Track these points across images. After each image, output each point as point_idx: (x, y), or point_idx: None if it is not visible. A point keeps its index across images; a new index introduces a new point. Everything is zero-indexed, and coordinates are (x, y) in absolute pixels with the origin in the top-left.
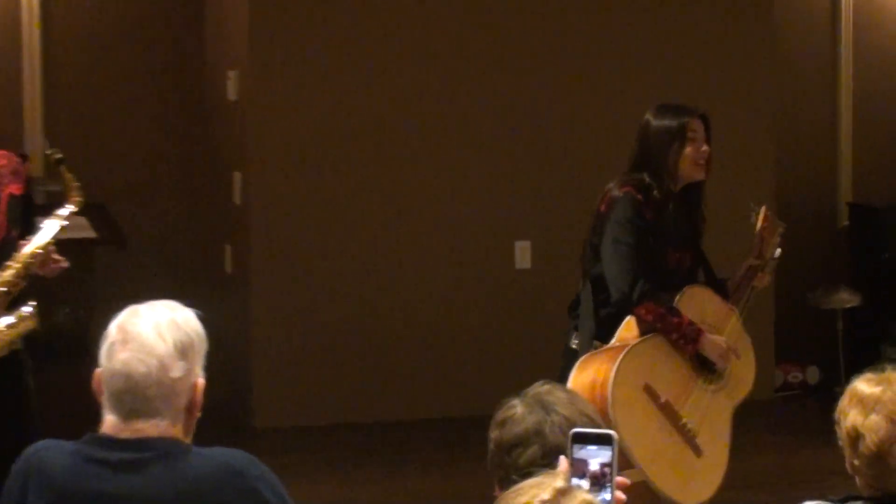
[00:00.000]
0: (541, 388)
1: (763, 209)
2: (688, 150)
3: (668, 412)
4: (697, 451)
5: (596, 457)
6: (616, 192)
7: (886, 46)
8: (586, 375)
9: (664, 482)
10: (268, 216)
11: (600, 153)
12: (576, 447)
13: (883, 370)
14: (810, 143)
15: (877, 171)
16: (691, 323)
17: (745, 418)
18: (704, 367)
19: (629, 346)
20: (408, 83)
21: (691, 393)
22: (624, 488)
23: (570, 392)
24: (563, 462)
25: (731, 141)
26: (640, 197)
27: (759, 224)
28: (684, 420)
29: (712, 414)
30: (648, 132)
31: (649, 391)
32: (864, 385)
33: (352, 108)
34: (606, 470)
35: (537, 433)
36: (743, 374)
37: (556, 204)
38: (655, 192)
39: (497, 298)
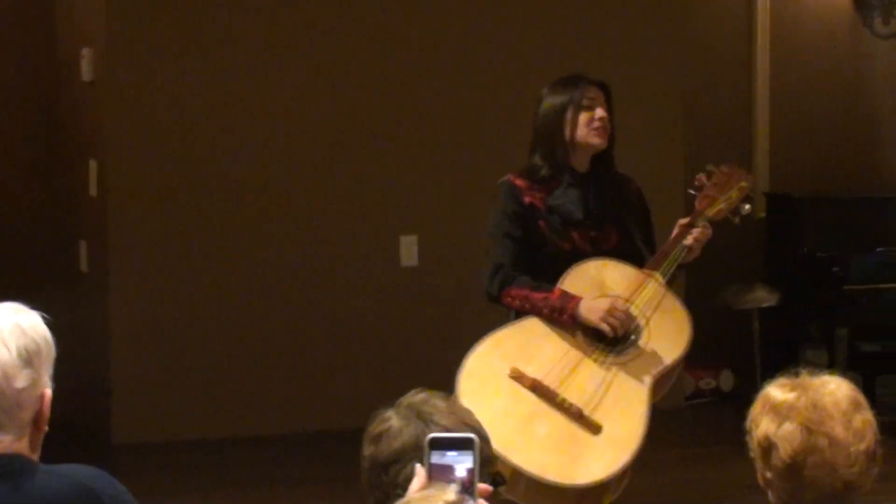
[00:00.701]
0: (416, 397)
1: (722, 166)
2: (582, 116)
3: (542, 392)
4: (592, 427)
5: (461, 462)
6: (500, 181)
7: (804, 31)
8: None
9: (540, 466)
10: (127, 209)
11: (493, 141)
12: (435, 454)
13: (797, 374)
14: (725, 130)
15: (795, 160)
16: (564, 294)
17: (654, 428)
18: (605, 340)
19: (487, 336)
20: (283, 64)
21: (579, 369)
22: (487, 495)
23: (448, 400)
24: (419, 471)
25: (641, 129)
26: (519, 182)
27: (709, 183)
28: (562, 397)
29: (617, 387)
30: (541, 108)
31: (516, 375)
32: (777, 391)
33: (222, 90)
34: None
35: (416, 447)
36: (664, 342)
37: (445, 195)
38: (543, 172)
39: (381, 298)
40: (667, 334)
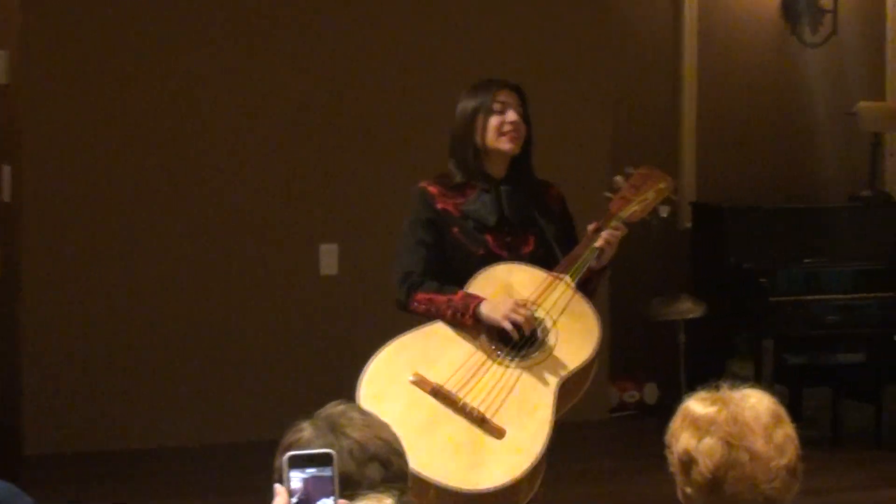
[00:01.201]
0: (335, 408)
1: (641, 168)
2: (492, 120)
3: (443, 397)
4: (495, 432)
5: (325, 478)
6: (413, 188)
7: (731, 40)
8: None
9: (442, 472)
10: (41, 215)
11: (415, 149)
12: (295, 471)
13: (717, 388)
14: (652, 139)
15: (722, 169)
16: (467, 295)
17: (577, 441)
18: (510, 343)
19: (391, 341)
20: (202, 70)
21: (482, 373)
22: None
23: (367, 414)
24: (279, 490)
25: (568, 134)
26: (432, 189)
27: (625, 185)
28: (463, 402)
29: (522, 391)
30: (456, 114)
31: (417, 380)
32: (697, 405)
33: (139, 94)
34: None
35: None
36: (571, 345)
37: (367, 202)
38: (457, 178)
39: (300, 308)
40: (574, 337)
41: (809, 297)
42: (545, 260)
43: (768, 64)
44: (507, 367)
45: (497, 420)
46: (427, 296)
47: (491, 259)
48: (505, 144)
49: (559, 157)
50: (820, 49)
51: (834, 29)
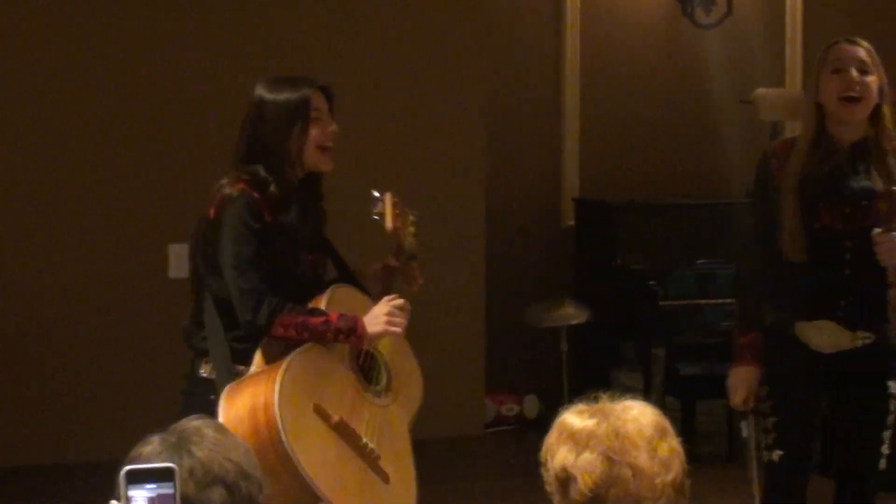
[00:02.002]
0: (190, 423)
1: (388, 196)
2: (313, 132)
3: (345, 433)
4: (383, 475)
5: (169, 496)
6: (228, 191)
7: (617, 24)
8: (241, 403)
9: None
10: None
11: None
12: (136, 488)
13: (597, 399)
14: (532, 129)
15: (608, 162)
16: (343, 315)
17: (450, 459)
18: (368, 379)
19: (286, 362)
20: (46, 65)
21: (363, 408)
22: None
23: (224, 431)
24: None
25: (438, 129)
26: (257, 195)
27: (388, 214)
28: (364, 440)
29: (390, 431)
30: (263, 112)
31: (320, 412)
32: (574, 418)
33: None
34: None
35: None
36: (410, 386)
37: None
38: (273, 188)
39: (147, 312)
40: (409, 380)
41: (703, 302)
42: (341, 273)
43: (658, 48)
44: (373, 405)
45: (381, 462)
46: (297, 320)
47: (301, 279)
48: (327, 163)
49: (432, 156)
50: (714, 31)
51: (729, 9)
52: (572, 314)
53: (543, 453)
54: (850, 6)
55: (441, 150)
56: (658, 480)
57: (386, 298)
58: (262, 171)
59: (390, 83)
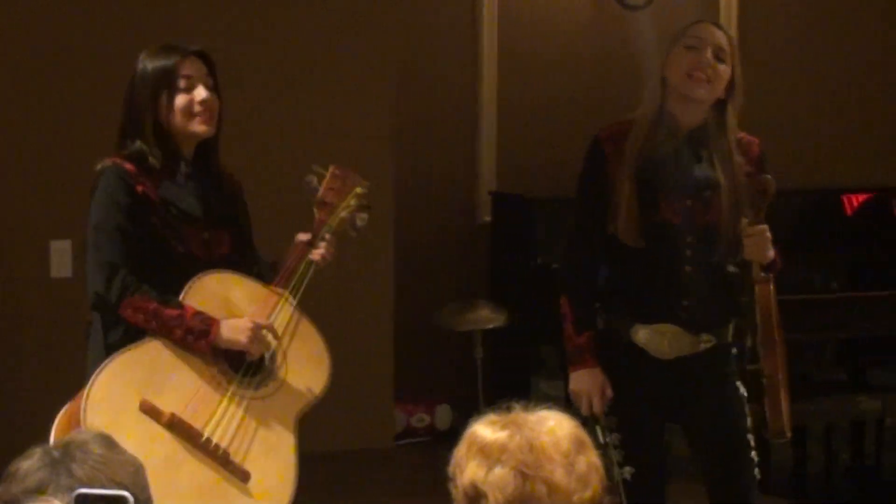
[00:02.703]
0: (78, 436)
1: (331, 169)
2: (178, 100)
3: (181, 431)
4: (240, 473)
5: None
6: (99, 166)
7: (538, 5)
8: (69, 409)
9: None
10: None
11: None
12: None
13: (510, 409)
14: (445, 118)
15: (527, 154)
16: (199, 313)
17: (356, 473)
18: (239, 369)
19: (110, 360)
20: None
21: (218, 403)
22: None
23: (112, 447)
24: None
25: (342, 117)
26: (129, 167)
27: (321, 188)
28: (206, 437)
29: (261, 427)
30: (135, 84)
31: (148, 409)
32: (485, 429)
33: None
34: None
35: (39, 491)
36: (305, 372)
37: None
38: (152, 160)
39: (28, 314)
40: (307, 365)
41: None
42: (242, 264)
43: (582, 31)
44: (241, 397)
45: (240, 460)
46: (150, 306)
47: (189, 259)
48: (198, 126)
49: (334, 146)
50: (643, 12)
51: None
52: (488, 317)
53: (452, 468)
54: None
55: (345, 139)
56: (575, 497)
57: (258, 321)
58: (139, 144)
59: (292, 68)
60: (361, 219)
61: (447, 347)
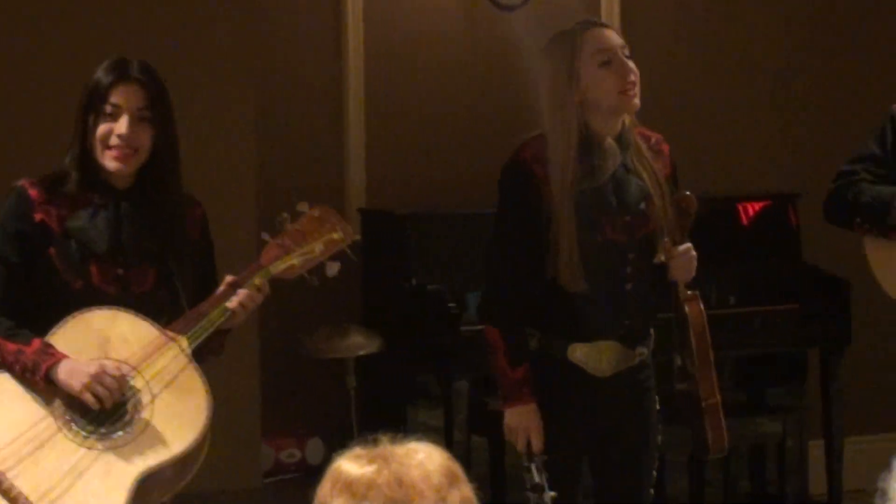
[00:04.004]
0: None
1: (309, 210)
2: (100, 127)
3: None
4: None
5: None
6: (12, 184)
7: (407, 6)
8: None
9: None
10: None
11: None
12: None
13: (376, 442)
14: (309, 130)
15: (400, 168)
16: (44, 349)
17: None
18: (91, 414)
19: None
20: None
21: (47, 447)
22: None
23: None
24: None
25: (200, 133)
26: (34, 193)
27: (288, 228)
28: (9, 484)
29: (91, 478)
30: (81, 95)
31: None
32: (350, 464)
33: None
34: None
35: None
36: (169, 428)
37: None
38: (70, 185)
39: None
40: (174, 421)
41: None
42: (167, 305)
43: (454, 35)
44: (81, 444)
45: None
46: None
47: (92, 295)
48: (109, 161)
49: (193, 163)
50: (519, 13)
51: None
52: (360, 343)
53: None
54: None
55: (205, 155)
56: None
57: (109, 363)
58: (66, 163)
59: None
60: (332, 266)
61: (317, 377)
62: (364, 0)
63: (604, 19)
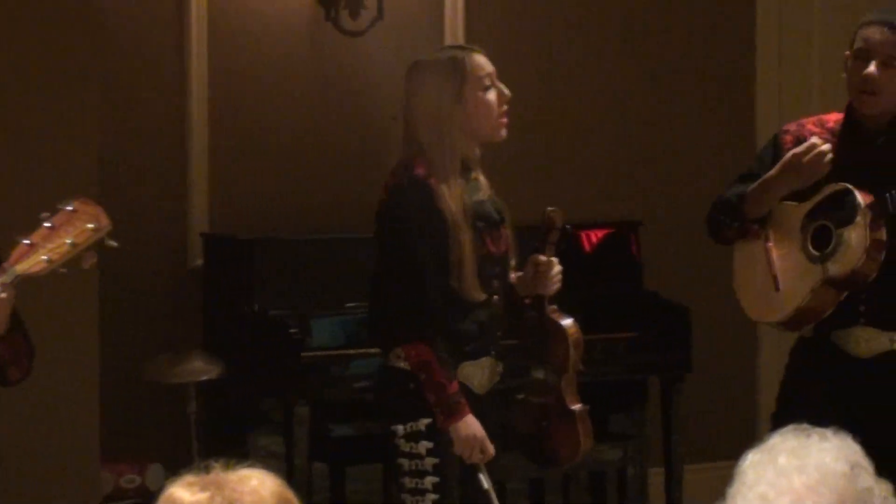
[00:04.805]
0: None
1: (77, 202)
2: None
3: None
4: None
5: None
6: None
7: (252, 30)
8: None
9: None
10: None
11: None
12: None
13: (208, 469)
14: (151, 154)
15: (242, 192)
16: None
17: None
18: None
19: None
20: None
21: None
22: None
23: None
24: None
25: (34, 154)
26: None
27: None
28: None
29: None
30: None
31: None
32: (183, 491)
33: None
34: None
35: None
36: None
37: None
38: None
39: None
40: None
41: (355, 352)
42: None
43: (299, 60)
44: None
45: None
46: None
47: None
48: None
49: (27, 184)
50: (364, 38)
51: (380, 13)
52: (202, 369)
53: None
54: (511, 6)
55: (41, 182)
56: None
57: None
58: None
59: None
60: (87, 258)
61: (158, 402)
62: (209, 23)
63: (447, 39)
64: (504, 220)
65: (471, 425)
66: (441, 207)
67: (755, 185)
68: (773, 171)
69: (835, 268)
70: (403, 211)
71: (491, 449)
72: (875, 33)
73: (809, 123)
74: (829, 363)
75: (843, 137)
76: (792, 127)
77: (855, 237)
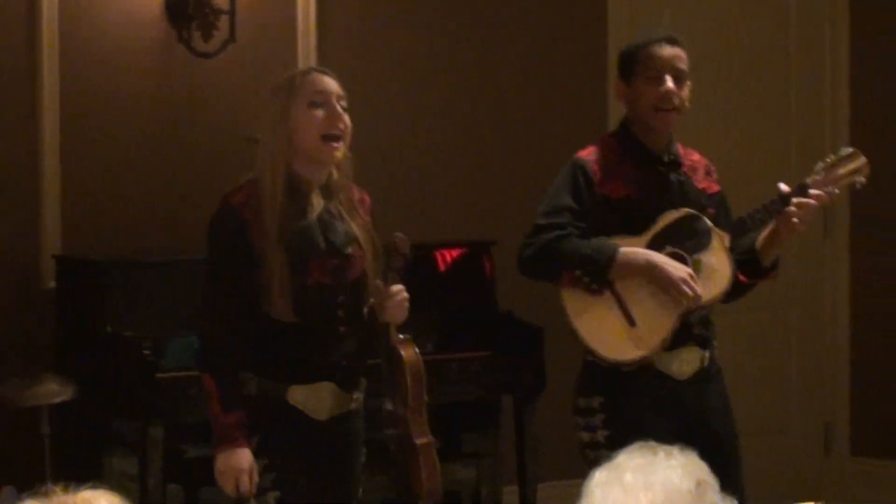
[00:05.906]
0: None
1: None
2: None
3: None
4: None
5: None
6: None
7: (104, 49)
8: None
9: None
10: None
11: None
12: None
13: (47, 494)
14: (5, 175)
15: (96, 213)
16: None
17: None
18: None
19: None
20: None
21: None
22: None
23: None
24: None
25: None
26: None
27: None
28: None
29: None
30: None
31: None
32: None
33: None
34: None
35: None
36: None
37: None
38: None
39: None
40: None
41: None
42: None
43: (150, 81)
44: None
45: None
46: None
47: None
48: None
49: None
50: (215, 60)
51: (232, 35)
52: (55, 391)
53: None
54: (362, 27)
55: None
56: None
57: None
58: None
59: None
60: None
61: (10, 425)
62: (60, 44)
63: (300, 61)
64: (348, 246)
65: (232, 458)
66: (250, 237)
67: (627, 256)
68: (642, 264)
69: (705, 292)
70: (211, 242)
71: (246, 485)
72: (663, 51)
73: (604, 150)
74: (651, 388)
75: (631, 160)
76: (591, 157)
77: (716, 261)
